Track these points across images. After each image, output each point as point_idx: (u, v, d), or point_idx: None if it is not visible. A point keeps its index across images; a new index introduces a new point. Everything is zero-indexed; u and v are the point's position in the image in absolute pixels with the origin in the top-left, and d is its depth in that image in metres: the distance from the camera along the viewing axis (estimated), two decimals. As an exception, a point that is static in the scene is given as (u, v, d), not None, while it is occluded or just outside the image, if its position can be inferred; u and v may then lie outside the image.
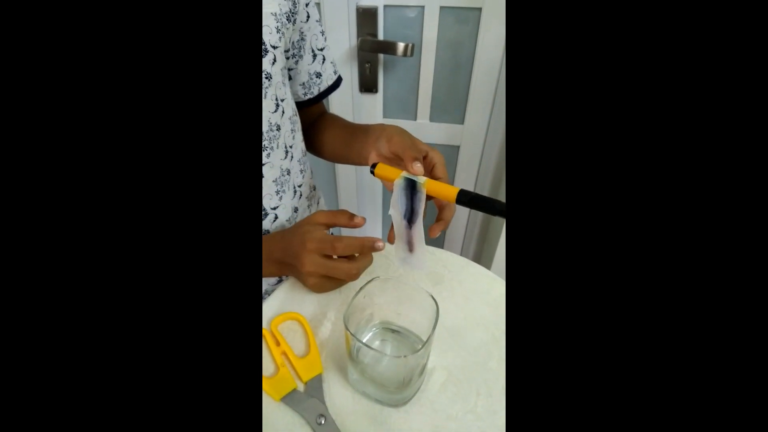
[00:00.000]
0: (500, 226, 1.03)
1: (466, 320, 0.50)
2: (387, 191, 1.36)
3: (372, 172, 0.47)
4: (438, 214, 0.47)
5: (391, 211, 0.45)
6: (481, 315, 0.51)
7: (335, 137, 0.63)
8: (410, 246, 0.45)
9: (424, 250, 0.44)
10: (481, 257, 1.29)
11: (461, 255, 0.59)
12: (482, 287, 0.54)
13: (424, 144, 0.49)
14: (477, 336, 0.48)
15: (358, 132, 0.57)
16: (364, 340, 0.45)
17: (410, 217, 0.43)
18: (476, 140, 1.10)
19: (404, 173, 0.42)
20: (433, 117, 1.09)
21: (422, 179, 0.41)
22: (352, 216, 0.50)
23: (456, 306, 0.52)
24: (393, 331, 0.46)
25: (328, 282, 0.50)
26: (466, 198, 0.39)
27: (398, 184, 0.42)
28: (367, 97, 1.08)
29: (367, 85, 1.05)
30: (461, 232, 1.32)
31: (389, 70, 1.04)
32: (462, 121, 1.08)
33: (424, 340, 0.43)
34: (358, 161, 0.56)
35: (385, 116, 1.11)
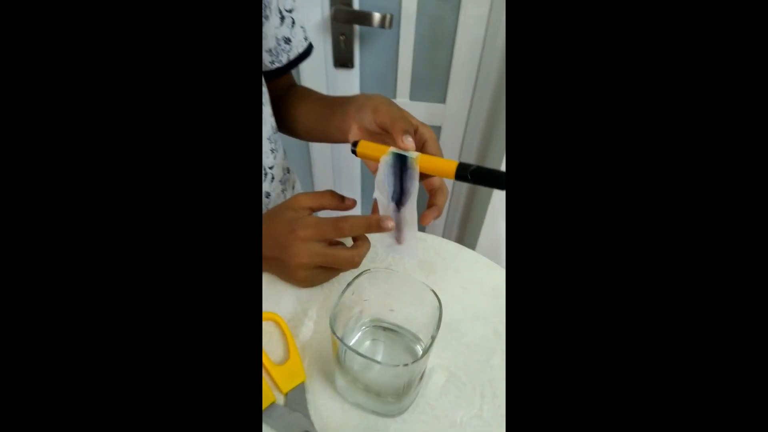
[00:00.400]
0: (484, 207, 0.99)
1: (464, 313, 0.45)
2: (369, 173, 1.29)
3: (353, 151, 0.40)
4: (429, 199, 0.41)
5: (376, 194, 0.38)
6: (480, 306, 0.46)
7: (309, 111, 0.55)
8: (399, 232, 0.39)
9: (415, 235, 0.38)
10: (464, 241, 1.25)
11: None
12: (479, 276, 0.50)
13: (414, 118, 0.43)
14: (477, 330, 0.44)
15: (337, 104, 0.50)
16: (352, 341, 0.39)
17: (399, 199, 0.37)
18: (458, 120, 1.05)
19: (392, 148, 0.36)
20: (414, 95, 1.02)
21: (414, 154, 0.35)
22: (341, 197, 0.43)
23: (452, 298, 0.47)
24: (385, 329, 0.41)
25: (321, 274, 0.44)
26: (466, 171, 0.33)
27: (385, 162, 0.36)
28: (343, 73, 1.00)
29: (342, 59, 0.97)
30: (442, 216, 1.27)
31: (366, 43, 0.96)
32: (443, 100, 1.02)
33: (421, 338, 0.38)
34: (338, 137, 0.49)
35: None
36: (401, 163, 0.36)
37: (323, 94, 0.58)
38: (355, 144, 0.40)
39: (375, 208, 0.41)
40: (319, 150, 1.13)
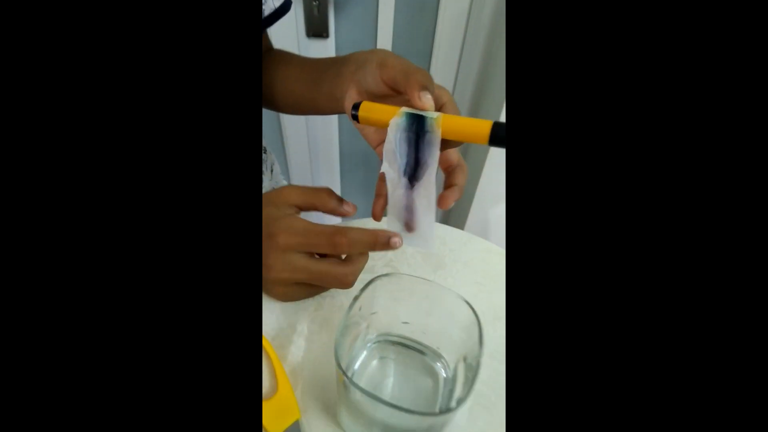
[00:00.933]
0: (473, 186, 0.93)
1: (483, 315, 0.38)
2: (350, 153, 1.20)
3: (354, 117, 0.31)
4: (446, 178, 0.33)
5: (384, 167, 0.30)
6: (499, 305, 0.39)
7: (291, 77, 0.45)
8: (411, 215, 0.31)
9: (432, 221, 0.30)
10: (449, 220, 1.18)
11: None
12: (494, 268, 0.43)
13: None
14: (499, 334, 0.37)
15: (328, 66, 0.40)
16: (358, 362, 0.31)
17: (414, 172, 0.29)
18: (444, 95, 0.97)
19: (406, 108, 0.28)
20: (395, 68, 0.93)
21: (435, 114, 0.27)
22: (339, 199, 0.34)
23: (466, 296, 0.39)
24: (395, 343, 0.33)
25: (303, 290, 0.35)
26: (504, 131, 0.25)
27: (397, 125, 0.27)
28: (316, 44, 0.90)
29: (316, 28, 0.86)
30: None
31: (342, 10, 0.86)
32: (428, 73, 0.94)
33: (443, 354, 0.31)
34: (329, 106, 0.39)
35: (338, 68, 0.94)
36: (418, 126, 0.27)
37: (308, 57, 0.48)
38: (356, 107, 0.31)
39: (380, 189, 0.32)
40: (293, 125, 1.02)
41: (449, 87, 0.96)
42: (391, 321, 0.31)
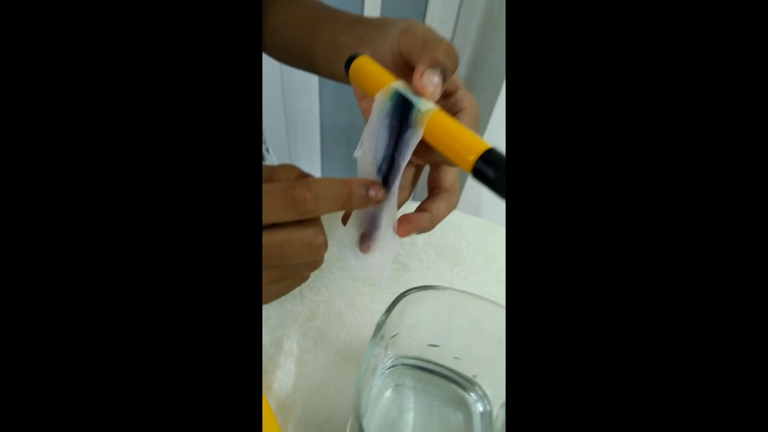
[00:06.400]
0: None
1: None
2: (333, 127, 1.08)
3: (346, 68, 0.23)
4: (426, 200, 0.24)
5: (358, 152, 0.21)
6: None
7: (296, 21, 0.34)
8: (372, 228, 0.22)
9: (392, 244, 0.21)
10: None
11: (412, 200, 0.33)
12: (521, 264, 0.36)
13: (456, 76, 0.25)
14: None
15: (344, 21, 0.30)
16: (369, 393, 0.24)
17: (387, 174, 0.21)
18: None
19: (398, 83, 0.20)
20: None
21: (426, 105, 0.19)
22: (364, 183, 0.21)
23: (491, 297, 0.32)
24: (413, 366, 0.26)
25: (270, 283, 0.25)
26: (495, 164, 0.16)
27: (380, 104, 0.20)
28: None
29: None
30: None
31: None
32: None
33: (478, 381, 0.24)
34: (326, 66, 0.30)
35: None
36: (404, 113, 0.19)
37: (324, 2, 0.36)
38: (352, 59, 0.22)
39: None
40: (268, 88, 0.89)
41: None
42: (415, 343, 0.24)
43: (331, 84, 0.97)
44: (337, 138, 1.04)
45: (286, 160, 1.00)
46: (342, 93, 0.95)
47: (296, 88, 0.92)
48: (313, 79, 0.91)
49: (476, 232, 0.38)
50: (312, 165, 1.06)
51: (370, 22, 0.28)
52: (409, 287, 0.21)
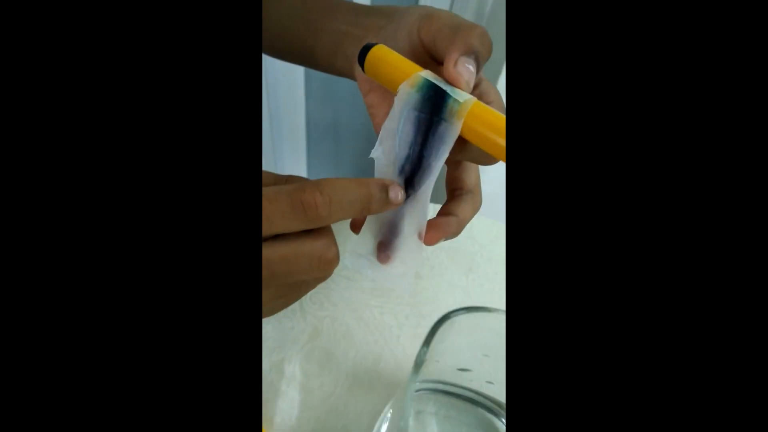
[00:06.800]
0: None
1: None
2: (319, 128, 1.03)
3: (360, 61, 0.19)
4: (447, 203, 0.21)
5: (375, 151, 0.19)
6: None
7: (290, 5, 0.30)
8: (392, 235, 0.19)
9: (417, 251, 0.19)
10: (437, 197, 1.08)
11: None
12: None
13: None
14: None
15: (345, 9, 0.26)
16: (385, 425, 0.21)
17: (412, 175, 0.18)
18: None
19: (425, 72, 0.17)
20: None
21: (464, 96, 0.17)
22: (383, 185, 0.19)
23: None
24: (434, 390, 0.23)
25: (276, 295, 0.21)
26: None
27: (407, 96, 0.17)
28: None
29: None
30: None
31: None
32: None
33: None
34: (326, 61, 0.26)
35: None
36: (434, 105, 0.17)
37: None
38: (367, 48, 0.19)
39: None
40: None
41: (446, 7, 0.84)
42: (442, 368, 0.21)
43: (317, 77, 0.93)
44: (323, 135, 1.00)
45: (270, 159, 0.95)
46: (329, 87, 0.91)
47: (280, 81, 0.88)
48: (298, 72, 0.87)
49: (488, 234, 0.35)
50: (297, 164, 1.01)
51: (377, 11, 0.25)
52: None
